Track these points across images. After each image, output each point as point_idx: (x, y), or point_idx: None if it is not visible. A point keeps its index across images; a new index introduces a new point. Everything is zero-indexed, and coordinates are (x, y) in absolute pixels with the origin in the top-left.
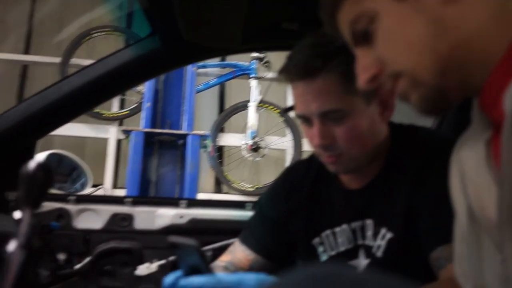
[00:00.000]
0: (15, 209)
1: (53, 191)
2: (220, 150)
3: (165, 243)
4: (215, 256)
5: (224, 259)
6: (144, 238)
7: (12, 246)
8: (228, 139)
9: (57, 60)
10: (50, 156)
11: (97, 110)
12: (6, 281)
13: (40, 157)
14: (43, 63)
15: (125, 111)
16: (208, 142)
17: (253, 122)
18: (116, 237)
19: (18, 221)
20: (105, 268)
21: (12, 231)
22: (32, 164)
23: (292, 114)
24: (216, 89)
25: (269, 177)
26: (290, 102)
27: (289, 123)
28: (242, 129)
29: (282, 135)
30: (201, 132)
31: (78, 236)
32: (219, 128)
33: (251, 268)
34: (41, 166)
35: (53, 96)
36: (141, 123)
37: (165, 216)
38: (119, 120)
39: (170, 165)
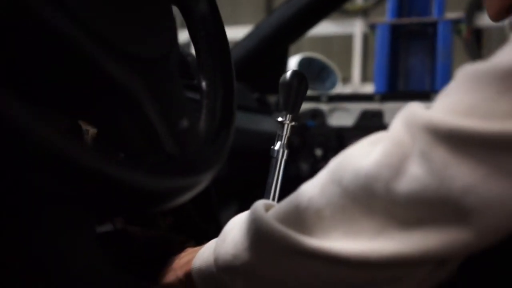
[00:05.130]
0: (276, 111)
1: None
2: (478, 33)
3: None
4: None
5: None
6: None
7: (277, 145)
8: (487, 19)
9: None
10: (301, 61)
11: None
12: (272, 175)
13: (292, 61)
14: None
15: (369, 2)
16: (463, 26)
17: None
18: (367, 134)
19: (280, 123)
20: None
21: (275, 131)
22: (288, 73)
23: None
24: None
25: None
26: None
27: None
28: None
29: None
30: (454, 16)
31: (332, 133)
32: (476, 7)
33: None
34: (296, 74)
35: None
36: (386, 14)
37: None
38: (364, 12)
39: (420, 56)
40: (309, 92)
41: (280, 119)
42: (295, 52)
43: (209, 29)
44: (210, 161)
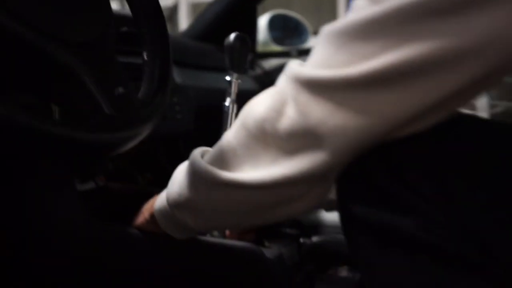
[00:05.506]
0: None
1: (280, 48)
2: None
3: None
4: None
5: None
6: None
7: (227, 101)
8: None
9: None
10: (272, 18)
11: None
12: (224, 127)
13: (262, 20)
14: None
15: None
16: None
17: None
18: None
19: (228, 82)
20: None
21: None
22: (231, 36)
23: None
24: None
25: None
26: None
27: None
28: None
29: None
30: None
31: None
32: None
33: None
34: (238, 37)
35: None
36: None
37: None
38: None
39: None
40: (280, 48)
41: (228, 78)
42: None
43: (147, 9)
44: (145, 119)
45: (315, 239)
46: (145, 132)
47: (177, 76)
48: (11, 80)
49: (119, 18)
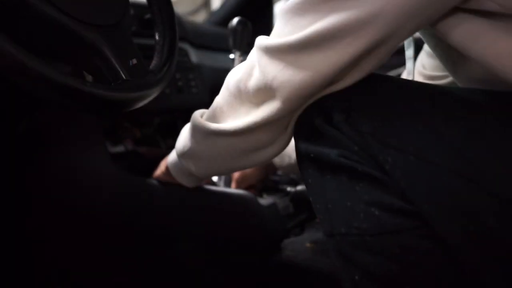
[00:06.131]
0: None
1: None
2: None
3: None
4: None
5: None
6: None
7: None
8: None
9: None
10: None
11: None
12: None
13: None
14: None
15: None
16: None
17: None
18: None
19: (232, 60)
20: None
21: (230, 65)
22: (234, 20)
23: None
24: None
25: None
26: None
27: None
28: None
29: None
30: None
31: None
32: None
33: None
34: (240, 21)
35: None
36: None
37: None
38: None
39: None
40: None
41: (231, 56)
42: None
43: None
44: (153, 84)
45: (299, 187)
46: (153, 94)
47: (194, 56)
48: (54, 55)
49: (142, 7)
